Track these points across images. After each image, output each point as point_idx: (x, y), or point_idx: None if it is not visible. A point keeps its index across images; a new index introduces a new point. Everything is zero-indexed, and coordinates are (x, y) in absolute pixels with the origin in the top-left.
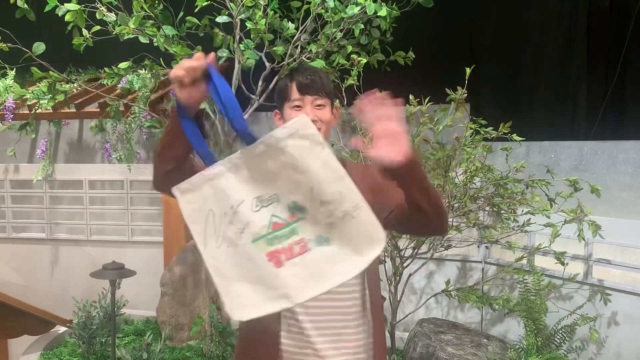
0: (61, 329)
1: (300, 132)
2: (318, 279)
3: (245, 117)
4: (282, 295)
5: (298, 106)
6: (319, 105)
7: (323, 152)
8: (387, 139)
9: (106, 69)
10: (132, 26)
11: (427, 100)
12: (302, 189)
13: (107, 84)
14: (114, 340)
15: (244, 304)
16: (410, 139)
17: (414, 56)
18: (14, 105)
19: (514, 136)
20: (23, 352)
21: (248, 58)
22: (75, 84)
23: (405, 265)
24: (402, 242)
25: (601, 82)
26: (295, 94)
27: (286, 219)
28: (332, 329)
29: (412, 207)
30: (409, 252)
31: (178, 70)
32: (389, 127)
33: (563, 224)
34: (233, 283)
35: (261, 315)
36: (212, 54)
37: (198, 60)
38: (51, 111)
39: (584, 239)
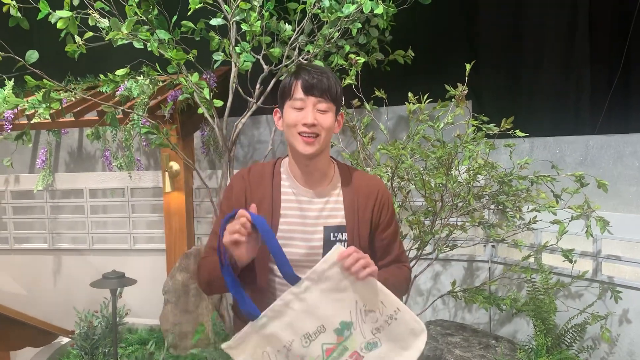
0: (64, 340)
1: (338, 262)
2: None
3: (243, 121)
4: None
5: (300, 107)
6: (321, 110)
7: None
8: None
9: (101, 76)
10: (125, 31)
11: (425, 97)
12: (347, 305)
13: (106, 92)
14: (115, 351)
15: None
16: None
17: (413, 54)
18: (12, 116)
19: (517, 132)
20: None
21: (245, 61)
22: (73, 93)
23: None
24: (406, 244)
25: (605, 74)
26: (298, 93)
27: (335, 341)
28: None
29: None
30: (413, 253)
31: (232, 235)
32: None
33: (570, 221)
34: None
35: None
36: (253, 206)
37: (244, 216)
38: (50, 120)
39: (592, 235)
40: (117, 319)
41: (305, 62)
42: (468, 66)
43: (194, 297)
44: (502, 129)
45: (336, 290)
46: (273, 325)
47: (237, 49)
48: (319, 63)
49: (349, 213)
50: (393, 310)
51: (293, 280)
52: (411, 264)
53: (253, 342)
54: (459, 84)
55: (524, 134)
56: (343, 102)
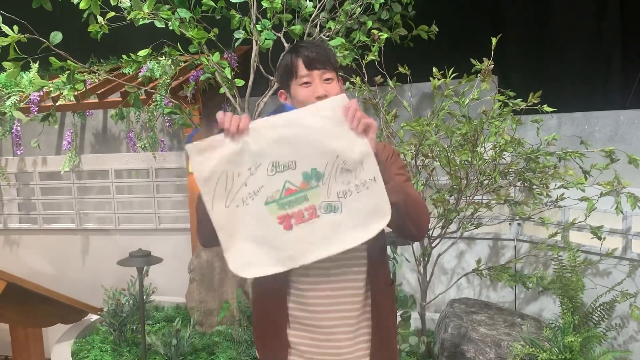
0: (93, 317)
1: (343, 106)
2: (323, 244)
3: (265, 100)
4: (287, 256)
5: (307, 82)
6: (327, 79)
7: (366, 141)
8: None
9: (124, 57)
10: (147, 10)
11: (451, 72)
12: (327, 155)
13: (129, 73)
14: (143, 327)
15: (248, 262)
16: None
17: (437, 29)
18: (38, 98)
19: (545, 107)
20: (56, 341)
21: (266, 39)
22: (96, 74)
23: (433, 245)
24: (431, 222)
25: (636, 47)
26: (302, 69)
27: (299, 186)
28: (334, 304)
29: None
30: (437, 231)
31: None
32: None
33: (599, 197)
34: (238, 241)
35: (264, 274)
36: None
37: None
38: (74, 102)
39: (622, 212)
40: (144, 296)
41: (325, 40)
42: (494, 40)
43: (218, 275)
44: (529, 104)
45: (324, 134)
46: (246, 141)
47: (258, 27)
48: (340, 39)
49: None
50: (369, 178)
51: (286, 109)
52: (435, 242)
53: (219, 154)
54: (484, 59)
55: (551, 109)
56: (365, 79)
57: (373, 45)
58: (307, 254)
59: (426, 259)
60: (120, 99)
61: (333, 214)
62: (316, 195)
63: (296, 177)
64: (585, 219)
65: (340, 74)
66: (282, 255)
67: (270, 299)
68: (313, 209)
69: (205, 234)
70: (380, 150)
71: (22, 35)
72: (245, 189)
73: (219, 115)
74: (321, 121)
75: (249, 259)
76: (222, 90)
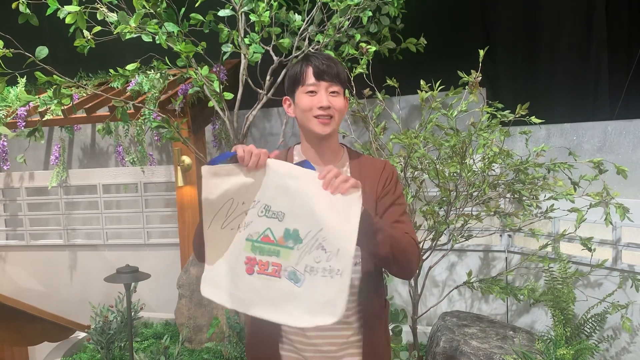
0: (80, 334)
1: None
2: (269, 306)
3: (254, 113)
4: (238, 298)
5: (312, 91)
6: (333, 92)
7: (357, 213)
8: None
9: (111, 71)
10: (133, 25)
11: (438, 84)
12: (313, 223)
13: (117, 87)
14: (131, 345)
15: (212, 283)
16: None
17: (425, 42)
18: (25, 113)
19: (533, 118)
20: (43, 359)
21: (254, 52)
22: (84, 89)
23: (424, 257)
24: (420, 234)
25: (623, 58)
26: (310, 78)
27: (277, 239)
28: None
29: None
30: (427, 244)
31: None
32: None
33: (588, 208)
34: (218, 261)
35: (216, 302)
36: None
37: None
38: (62, 117)
39: (611, 222)
40: (132, 313)
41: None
42: (482, 52)
43: None
44: (517, 116)
45: (322, 203)
46: (261, 174)
47: (246, 40)
48: (329, 53)
49: None
50: (338, 269)
51: (307, 166)
52: (426, 255)
53: (231, 182)
54: (472, 71)
55: (540, 121)
56: (354, 91)
57: (362, 58)
58: (252, 306)
59: (417, 271)
60: (109, 113)
61: (293, 284)
62: (287, 257)
63: (278, 229)
64: (575, 230)
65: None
66: (235, 293)
67: None
68: (279, 267)
69: (203, 253)
70: (381, 169)
71: (8, 50)
72: (244, 217)
73: (238, 150)
74: (337, 195)
75: (215, 280)
76: (210, 104)
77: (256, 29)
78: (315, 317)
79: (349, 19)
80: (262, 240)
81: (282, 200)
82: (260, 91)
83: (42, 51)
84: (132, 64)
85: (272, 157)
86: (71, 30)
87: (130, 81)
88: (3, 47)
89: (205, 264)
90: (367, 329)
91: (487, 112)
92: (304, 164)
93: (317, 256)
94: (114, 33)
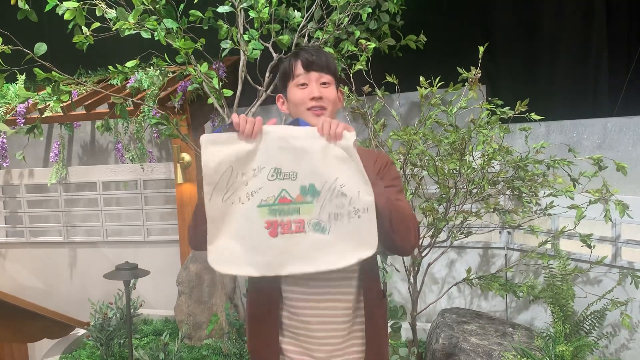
0: (80, 331)
1: (354, 140)
2: (301, 259)
3: (253, 110)
4: (265, 262)
5: (303, 84)
6: (324, 83)
7: (355, 151)
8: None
9: (110, 68)
10: (132, 21)
11: (437, 81)
12: (328, 174)
13: (117, 84)
14: (130, 341)
15: (226, 259)
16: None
17: (425, 39)
18: (24, 110)
19: (533, 115)
20: (43, 356)
21: (254, 49)
22: (83, 86)
23: (423, 254)
24: (420, 232)
25: (623, 55)
26: (300, 70)
27: (294, 198)
28: (324, 316)
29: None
30: (427, 240)
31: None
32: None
33: (588, 205)
34: (224, 237)
35: (240, 275)
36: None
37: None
38: (61, 114)
39: (610, 219)
40: (132, 310)
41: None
42: (481, 49)
43: (207, 287)
44: (516, 113)
45: (333, 155)
46: (258, 142)
47: (246, 37)
48: (329, 50)
49: None
50: (363, 207)
51: (303, 124)
52: (425, 252)
53: (229, 150)
54: (472, 67)
55: (539, 117)
56: (353, 88)
57: (361, 55)
58: (284, 265)
59: (416, 268)
60: (108, 110)
61: (320, 234)
62: (308, 211)
63: (294, 188)
64: (575, 227)
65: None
66: (259, 260)
67: (263, 306)
68: (302, 223)
69: (199, 235)
70: (374, 159)
71: (7, 47)
72: (245, 188)
73: (234, 117)
74: (339, 144)
75: (228, 256)
76: (210, 101)
77: (255, 25)
78: (353, 254)
79: (348, 16)
80: (279, 202)
81: (291, 160)
82: (260, 88)
83: (41, 47)
84: (131, 61)
85: (269, 124)
86: (70, 26)
87: (130, 78)
88: (2, 44)
89: (208, 246)
90: (368, 318)
91: (487, 109)
92: (298, 122)
93: (340, 203)
94: (113, 29)
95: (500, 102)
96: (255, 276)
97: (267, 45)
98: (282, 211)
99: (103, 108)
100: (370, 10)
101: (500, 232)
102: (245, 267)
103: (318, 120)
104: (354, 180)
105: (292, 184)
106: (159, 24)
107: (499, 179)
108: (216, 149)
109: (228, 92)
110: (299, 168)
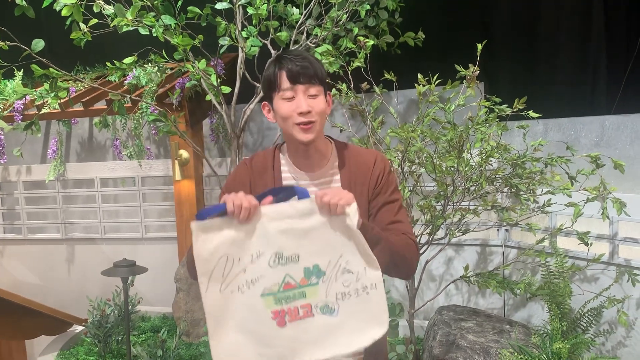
0: (78, 328)
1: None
2: (314, 345)
3: (251, 107)
4: (276, 354)
5: (290, 97)
6: (312, 95)
7: (356, 225)
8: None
9: (108, 64)
10: (130, 17)
11: (435, 78)
12: (332, 252)
13: (114, 81)
14: (128, 338)
15: (232, 354)
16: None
17: (424, 36)
18: (22, 107)
19: (531, 113)
20: (40, 353)
21: (252, 46)
22: (82, 82)
23: (421, 252)
24: (418, 229)
25: (622, 53)
26: (285, 83)
27: (298, 282)
28: None
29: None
30: (424, 238)
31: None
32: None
33: (585, 203)
34: (226, 330)
35: None
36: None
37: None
38: (59, 110)
39: (608, 217)
40: (130, 307)
41: (312, 47)
42: (479, 46)
43: None
44: (514, 110)
45: (336, 231)
46: (253, 225)
47: (244, 34)
48: (326, 46)
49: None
50: (371, 284)
51: (301, 194)
52: (423, 249)
53: (222, 236)
54: (470, 65)
55: (537, 115)
56: (351, 85)
57: (359, 52)
58: (296, 353)
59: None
60: (106, 106)
61: (329, 316)
62: (314, 293)
63: (297, 271)
64: (572, 224)
65: (328, 80)
66: (269, 352)
67: None
68: (309, 307)
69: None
70: (372, 163)
71: (4, 43)
72: (244, 276)
73: (228, 202)
74: (331, 219)
75: (235, 350)
76: (208, 98)
77: (254, 22)
78: (365, 334)
79: (347, 13)
80: (284, 289)
81: (292, 243)
82: (258, 85)
83: (39, 44)
84: (129, 58)
85: (265, 204)
86: (67, 23)
87: (128, 75)
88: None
89: (210, 341)
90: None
91: (485, 106)
92: (294, 191)
93: (346, 280)
94: (111, 26)
95: (498, 100)
96: None
97: (266, 42)
98: (288, 298)
99: (101, 105)
100: (368, 7)
101: (497, 230)
102: None
103: (317, 193)
104: (358, 255)
105: (295, 267)
106: (157, 20)
107: (497, 176)
108: (208, 236)
109: (226, 89)
110: (301, 250)
